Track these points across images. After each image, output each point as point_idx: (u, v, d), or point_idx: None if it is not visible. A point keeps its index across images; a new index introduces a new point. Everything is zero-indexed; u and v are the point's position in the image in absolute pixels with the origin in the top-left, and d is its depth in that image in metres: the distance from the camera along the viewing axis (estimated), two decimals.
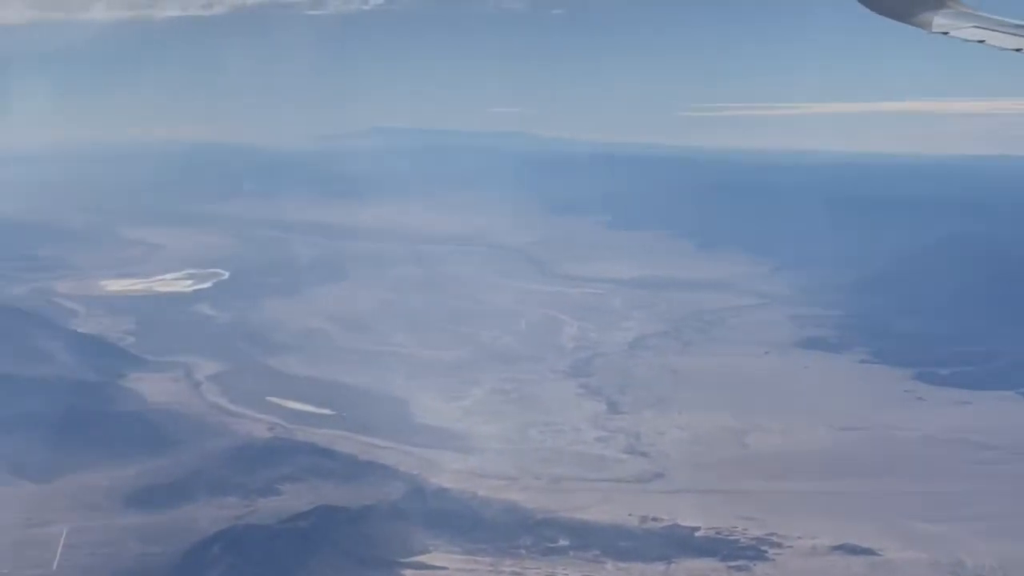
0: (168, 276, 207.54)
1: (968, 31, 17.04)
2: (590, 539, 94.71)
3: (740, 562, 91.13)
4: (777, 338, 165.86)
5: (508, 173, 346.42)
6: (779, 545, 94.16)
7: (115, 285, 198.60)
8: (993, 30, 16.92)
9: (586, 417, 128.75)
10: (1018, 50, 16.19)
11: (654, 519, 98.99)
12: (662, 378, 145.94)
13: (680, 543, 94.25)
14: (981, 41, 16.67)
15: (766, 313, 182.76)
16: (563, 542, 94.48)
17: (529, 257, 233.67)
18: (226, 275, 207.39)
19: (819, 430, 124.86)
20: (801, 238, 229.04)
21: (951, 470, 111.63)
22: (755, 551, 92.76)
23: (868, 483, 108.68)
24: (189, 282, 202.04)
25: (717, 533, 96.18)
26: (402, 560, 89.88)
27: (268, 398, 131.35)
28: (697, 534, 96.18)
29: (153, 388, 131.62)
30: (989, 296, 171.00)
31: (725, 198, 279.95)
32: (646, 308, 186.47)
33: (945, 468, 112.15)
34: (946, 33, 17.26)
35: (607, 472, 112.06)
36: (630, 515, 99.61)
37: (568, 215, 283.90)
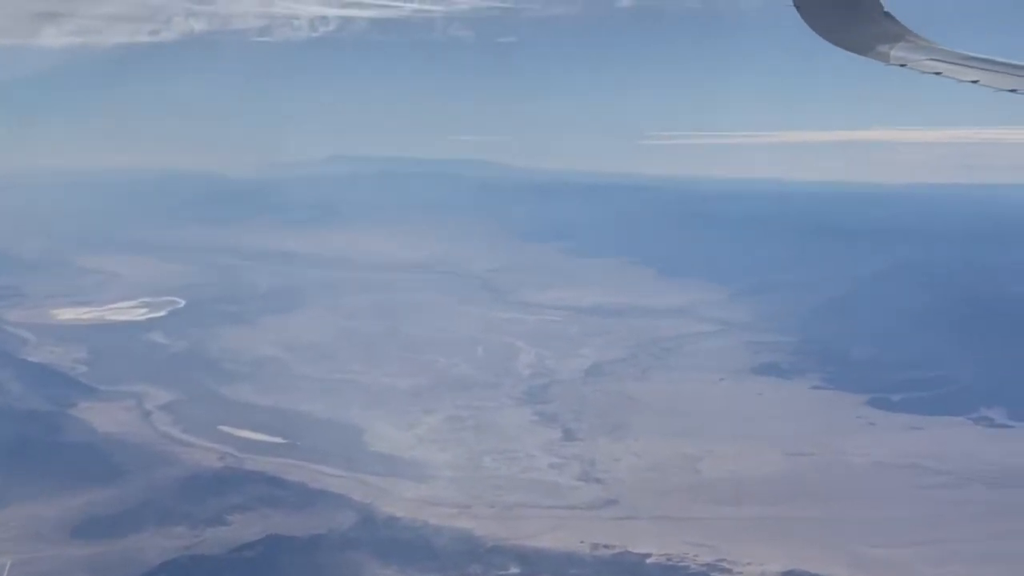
0: (122, 304, 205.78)
1: (925, 63, 17.26)
2: (541, 567, 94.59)
3: None
4: (733, 364, 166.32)
5: (468, 200, 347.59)
6: (729, 571, 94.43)
7: (68, 314, 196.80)
8: (949, 62, 17.20)
9: (540, 444, 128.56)
10: (974, 82, 16.43)
11: (605, 546, 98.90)
12: (618, 405, 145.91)
13: (631, 570, 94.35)
14: (938, 73, 16.91)
15: (723, 339, 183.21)
16: (514, 570, 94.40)
17: (488, 284, 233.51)
18: (181, 303, 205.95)
19: (771, 456, 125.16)
20: (759, 265, 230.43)
21: (901, 495, 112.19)
22: None
23: (819, 508, 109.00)
24: (143, 310, 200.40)
25: (668, 559, 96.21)
26: None
27: (220, 427, 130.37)
28: (648, 560, 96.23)
29: (103, 418, 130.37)
30: (941, 322, 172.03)
31: (684, 226, 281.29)
32: (604, 335, 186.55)
33: (895, 493, 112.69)
34: (904, 65, 17.46)
35: (560, 499, 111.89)
36: (582, 542, 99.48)
37: (528, 242, 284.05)
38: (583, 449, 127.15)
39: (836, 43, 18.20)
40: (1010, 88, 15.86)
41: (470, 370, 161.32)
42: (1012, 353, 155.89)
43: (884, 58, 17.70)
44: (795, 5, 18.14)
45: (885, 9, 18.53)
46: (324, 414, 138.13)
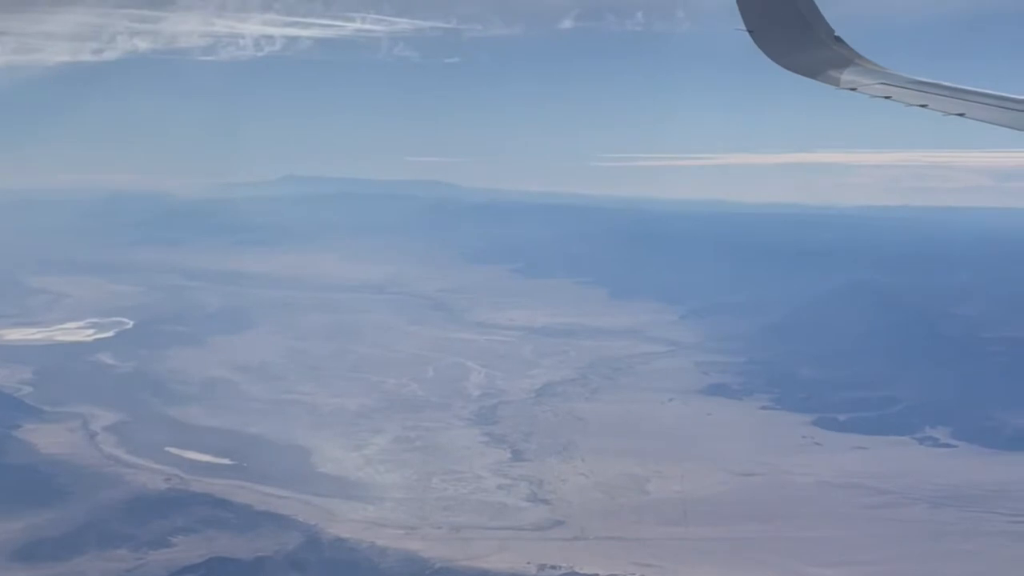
0: (70, 325, 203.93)
1: (875, 87, 17.52)
2: None
3: None
4: (682, 385, 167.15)
5: (422, 221, 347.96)
6: None
7: (15, 334, 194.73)
8: (898, 86, 17.46)
9: (489, 465, 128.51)
10: (923, 106, 16.69)
11: (552, 567, 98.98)
12: (567, 425, 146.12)
13: None
14: (888, 97, 17.17)
15: (673, 360, 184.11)
16: None
17: (440, 304, 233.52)
18: (130, 324, 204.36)
19: (719, 476, 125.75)
20: (709, 286, 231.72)
21: (845, 515, 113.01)
22: None
23: (764, 528, 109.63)
24: (91, 331, 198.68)
25: None
26: None
27: (167, 448, 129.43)
28: None
29: (47, 439, 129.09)
30: (888, 343, 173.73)
31: (636, 247, 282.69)
32: (555, 355, 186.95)
33: (839, 513, 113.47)
34: (854, 89, 17.70)
35: (507, 520, 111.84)
36: (528, 563, 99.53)
37: (481, 263, 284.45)
38: (531, 470, 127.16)
39: (788, 67, 18.49)
40: (958, 112, 16.13)
41: (420, 391, 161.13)
42: (957, 374, 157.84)
43: (835, 82, 17.96)
44: (748, 30, 18.38)
45: (836, 34, 18.80)
46: (272, 435, 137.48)
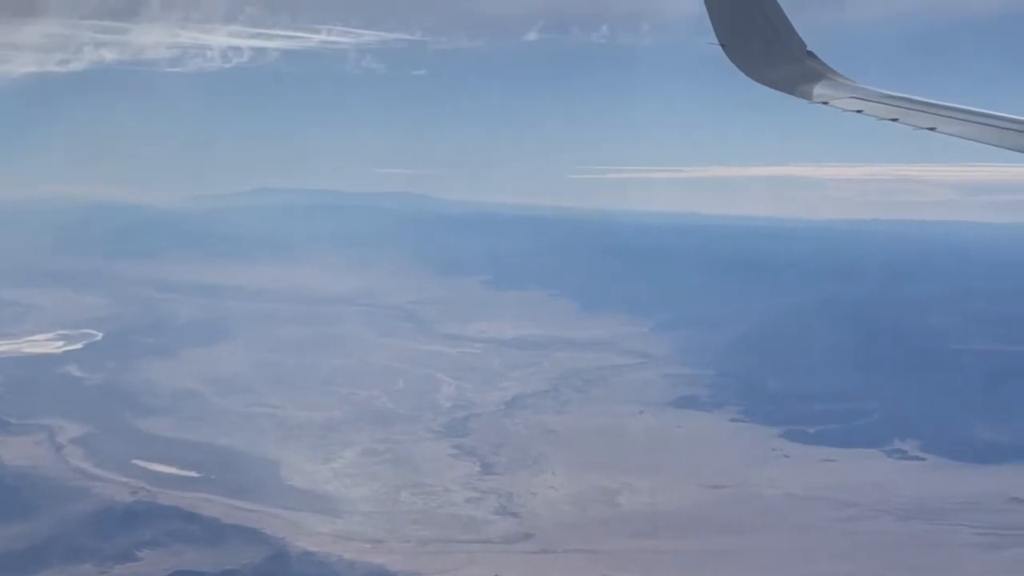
0: (39, 337, 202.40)
1: (846, 101, 17.65)
2: None
3: None
4: (652, 397, 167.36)
5: (394, 233, 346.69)
6: None
7: None
8: (869, 100, 17.60)
9: (458, 478, 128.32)
10: (893, 120, 16.83)
11: None
12: (537, 438, 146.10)
13: None
14: (859, 111, 17.31)
15: (643, 372, 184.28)
16: None
17: (411, 316, 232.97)
18: (99, 336, 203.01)
19: (688, 488, 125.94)
20: (680, 299, 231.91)
21: (813, 528, 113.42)
22: None
23: (732, 541, 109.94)
24: (60, 343, 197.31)
25: None
26: None
27: (134, 461, 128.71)
28: None
29: (13, 452, 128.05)
30: (858, 355, 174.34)
31: (609, 259, 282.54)
32: (525, 368, 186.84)
33: (807, 526, 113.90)
34: (826, 103, 17.84)
35: (476, 533, 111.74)
36: None
37: (452, 275, 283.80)
38: (501, 483, 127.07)
39: (761, 81, 18.64)
40: (929, 127, 16.27)
41: (390, 403, 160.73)
42: (927, 386, 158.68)
43: (807, 96, 18.12)
44: (721, 44, 18.48)
45: (808, 48, 18.90)
46: (241, 447, 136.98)
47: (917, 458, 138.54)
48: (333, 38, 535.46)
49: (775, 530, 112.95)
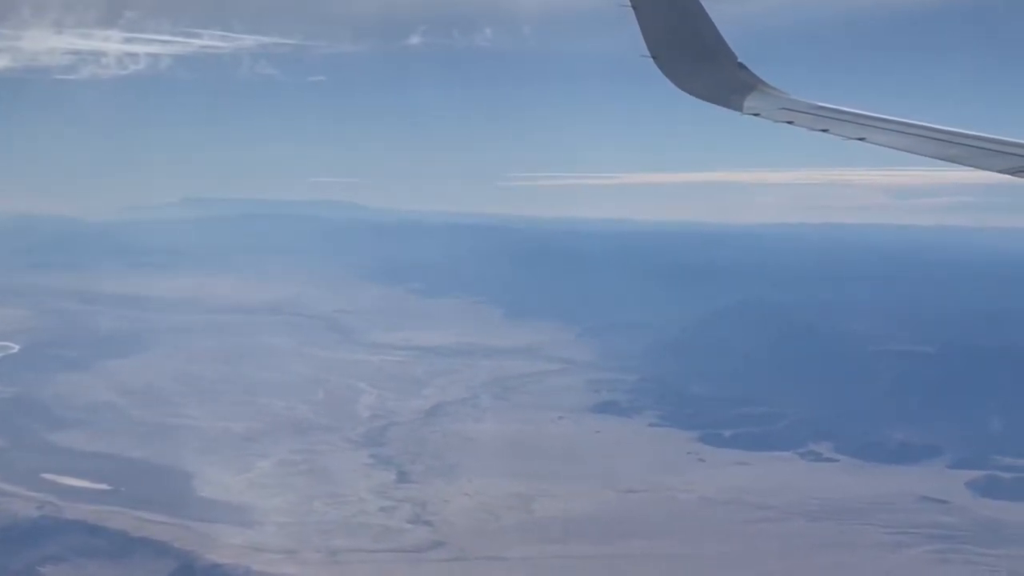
0: None
1: (777, 113, 17.77)
2: None
3: None
4: (573, 403, 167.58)
5: (324, 242, 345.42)
6: None
7: None
8: (800, 111, 17.73)
9: (373, 487, 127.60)
10: (824, 130, 16.94)
11: None
12: (455, 446, 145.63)
13: None
14: (790, 122, 17.42)
15: (565, 378, 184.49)
16: None
17: (335, 325, 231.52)
18: (16, 348, 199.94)
19: (604, 494, 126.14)
20: (608, 305, 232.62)
21: (725, 531, 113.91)
22: None
23: (644, 545, 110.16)
24: None
25: None
26: None
27: (43, 475, 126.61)
28: None
29: None
30: (778, 359, 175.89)
31: (538, 266, 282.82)
32: (448, 375, 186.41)
33: (719, 529, 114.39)
34: (757, 115, 17.93)
35: (388, 542, 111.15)
36: None
37: (380, 283, 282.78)
38: (416, 491, 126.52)
39: (692, 93, 18.66)
40: (858, 137, 16.43)
41: (309, 413, 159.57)
42: (843, 389, 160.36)
43: (738, 107, 18.20)
44: (652, 56, 18.41)
45: (739, 60, 18.96)
46: (155, 460, 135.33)
47: (830, 459, 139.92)
48: (214, 43, 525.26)
49: (688, 534, 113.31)
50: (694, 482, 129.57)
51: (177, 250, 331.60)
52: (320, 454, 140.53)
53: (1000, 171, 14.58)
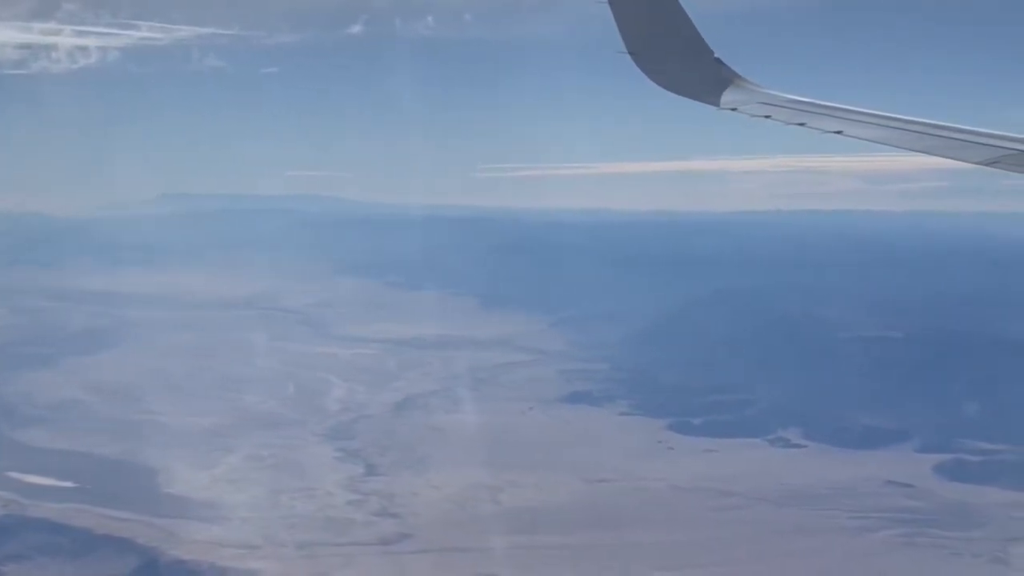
0: None
1: (754, 107, 18.07)
2: None
3: None
4: (544, 393, 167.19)
5: (300, 235, 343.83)
6: None
7: None
8: (777, 105, 18.03)
9: (340, 481, 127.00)
10: (801, 124, 17.19)
11: None
12: (425, 438, 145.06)
13: None
14: (767, 116, 17.72)
15: (537, 369, 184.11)
16: None
17: (308, 319, 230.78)
18: None
19: (573, 483, 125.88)
20: (582, 295, 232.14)
21: (692, 518, 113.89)
22: None
23: (611, 535, 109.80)
24: None
25: None
26: None
27: (7, 473, 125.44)
28: None
29: None
30: (750, 346, 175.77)
31: (513, 257, 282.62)
32: (419, 368, 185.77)
33: (686, 516, 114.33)
34: (735, 109, 18.15)
35: (354, 535, 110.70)
36: None
37: (354, 276, 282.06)
38: (384, 484, 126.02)
39: (669, 88, 18.90)
40: (836, 130, 16.71)
41: (278, 407, 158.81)
42: (813, 375, 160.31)
43: (715, 102, 18.46)
44: (629, 52, 18.46)
45: (716, 55, 19.12)
46: (120, 456, 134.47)
47: (798, 445, 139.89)
48: (152, 35, 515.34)
49: (655, 522, 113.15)
50: (663, 470, 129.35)
51: (152, 247, 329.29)
52: (288, 448, 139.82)
53: (977, 163, 14.82)
